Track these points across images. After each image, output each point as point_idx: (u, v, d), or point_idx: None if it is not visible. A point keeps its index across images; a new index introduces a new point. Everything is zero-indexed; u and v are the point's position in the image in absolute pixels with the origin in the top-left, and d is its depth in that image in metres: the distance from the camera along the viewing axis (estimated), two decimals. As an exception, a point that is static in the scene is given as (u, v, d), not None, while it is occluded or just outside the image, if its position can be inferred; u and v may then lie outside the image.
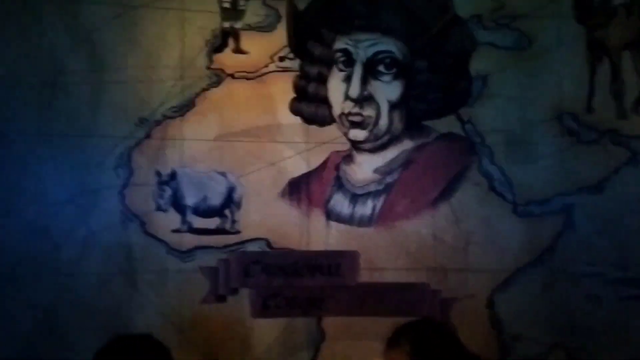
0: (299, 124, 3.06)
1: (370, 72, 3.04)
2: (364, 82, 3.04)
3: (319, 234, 3.01)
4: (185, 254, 2.93)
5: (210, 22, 3.05)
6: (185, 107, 3.00)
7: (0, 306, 2.80)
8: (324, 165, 3.07)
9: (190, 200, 2.96)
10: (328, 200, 3.05)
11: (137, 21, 3.00)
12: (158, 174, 2.95)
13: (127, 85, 2.97)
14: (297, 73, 3.08)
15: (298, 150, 3.05)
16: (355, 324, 2.91)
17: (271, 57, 3.07)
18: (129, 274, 2.90)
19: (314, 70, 3.08)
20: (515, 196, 3.05)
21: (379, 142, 3.07)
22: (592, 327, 2.99)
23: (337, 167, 3.07)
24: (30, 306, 2.82)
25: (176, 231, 2.95)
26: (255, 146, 3.03)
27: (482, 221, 3.04)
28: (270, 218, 2.99)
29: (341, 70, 3.07)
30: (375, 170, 3.07)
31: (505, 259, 3.02)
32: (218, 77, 3.04)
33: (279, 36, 3.07)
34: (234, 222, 2.99)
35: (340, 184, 3.07)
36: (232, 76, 3.04)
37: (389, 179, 3.07)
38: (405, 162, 3.07)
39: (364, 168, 3.08)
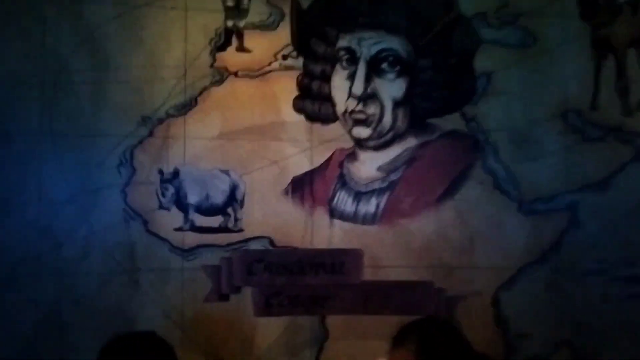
0: (303, 122, 3.05)
1: (374, 70, 3.04)
2: (368, 80, 3.03)
3: (322, 232, 3.00)
4: (188, 252, 2.92)
5: (213, 20, 3.04)
6: (188, 106, 2.99)
7: (1, 306, 2.79)
8: (327, 163, 3.05)
9: (192, 198, 2.95)
10: (332, 198, 3.04)
11: (140, 20, 2.99)
12: (160, 172, 2.94)
13: (129, 83, 2.96)
14: (301, 71, 3.07)
15: (301, 148, 3.04)
16: (359, 323, 2.89)
17: (274, 56, 3.06)
18: (131, 273, 2.89)
19: (317, 68, 3.08)
20: (520, 194, 3.04)
21: (383, 139, 3.06)
22: (598, 325, 2.98)
23: (340, 165, 3.06)
24: (31, 305, 2.81)
25: (179, 230, 2.93)
26: (258, 144, 3.02)
27: (486, 219, 3.03)
28: (273, 216, 2.98)
29: (344, 68, 3.06)
30: (379, 168, 3.06)
31: (510, 256, 3.01)
32: (221, 75, 3.02)
33: (282, 34, 3.06)
34: (236, 220, 2.97)
35: (343, 182, 3.06)
36: (235, 74, 3.03)
37: (392, 177, 3.05)
38: (409, 160, 3.06)
39: (368, 166, 3.07)
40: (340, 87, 3.06)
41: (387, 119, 3.05)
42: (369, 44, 3.05)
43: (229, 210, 2.98)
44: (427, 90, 3.06)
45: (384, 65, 3.04)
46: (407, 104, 3.06)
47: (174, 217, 2.94)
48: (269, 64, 3.05)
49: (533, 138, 3.08)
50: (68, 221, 2.86)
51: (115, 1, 2.98)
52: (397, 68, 3.04)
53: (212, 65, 3.02)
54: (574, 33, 3.11)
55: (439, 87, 3.06)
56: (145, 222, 2.91)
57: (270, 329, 2.91)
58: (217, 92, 3.02)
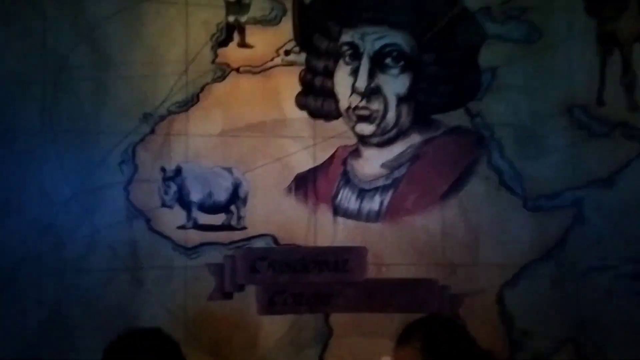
0: (305, 119, 3.03)
1: (378, 65, 3.01)
2: (371, 75, 3.01)
3: (326, 230, 2.99)
4: (191, 250, 2.91)
5: (214, 15, 3.01)
6: (189, 102, 2.97)
7: (4, 304, 2.78)
8: (330, 160, 3.04)
9: (195, 196, 2.94)
10: (335, 196, 3.03)
11: (141, 16, 2.96)
12: (163, 170, 2.92)
13: (131, 80, 2.94)
14: (303, 67, 3.05)
15: (304, 145, 3.02)
16: (363, 321, 2.89)
17: (277, 51, 3.03)
18: (134, 271, 2.88)
19: (320, 64, 3.05)
20: (525, 190, 3.04)
21: (387, 136, 3.04)
22: (603, 322, 2.99)
23: (344, 162, 3.05)
24: (34, 304, 2.80)
25: (181, 228, 2.92)
26: (261, 141, 3.00)
27: (491, 216, 3.03)
28: (276, 214, 2.97)
29: (348, 64, 3.04)
30: (383, 165, 3.05)
31: (515, 253, 3.01)
32: (223, 71, 3.00)
33: (285, 30, 3.04)
34: (239, 218, 2.96)
35: (347, 179, 3.05)
36: (237, 70, 3.01)
37: (396, 174, 3.04)
38: (413, 157, 3.05)
39: (372, 163, 3.05)
40: (343, 83, 3.04)
41: (391, 115, 3.03)
42: (373, 39, 3.02)
43: (232, 208, 2.97)
44: (432, 85, 3.04)
45: (388, 61, 3.02)
46: (411, 100, 3.04)
47: (177, 215, 2.92)
48: (271, 60, 3.03)
49: (538, 134, 3.07)
50: (70, 220, 2.85)
51: (115, -3, 2.96)
52: (401, 63, 3.02)
53: (213, 61, 3.00)
54: (580, 28, 3.09)
55: (443, 83, 3.05)
56: (147, 220, 2.90)
57: (274, 327, 2.91)
58: (219, 88, 3.00)
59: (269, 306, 2.82)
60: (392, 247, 2.99)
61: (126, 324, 2.68)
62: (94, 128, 2.90)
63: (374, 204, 3.02)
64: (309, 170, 3.02)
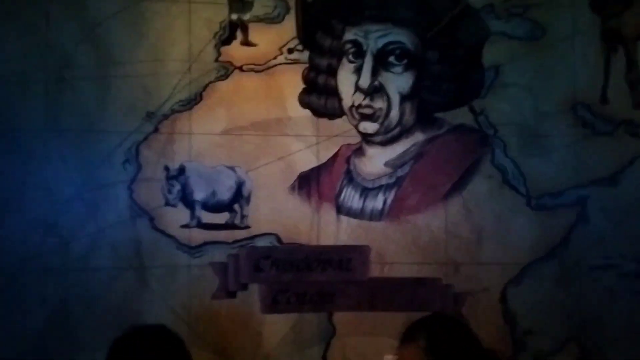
0: (309, 117, 3.03)
1: (381, 63, 3.01)
2: (375, 73, 3.00)
3: (329, 229, 2.99)
4: (195, 249, 2.92)
5: (217, 14, 3.01)
6: (193, 101, 2.97)
7: (9, 302, 2.79)
8: (334, 158, 3.04)
9: (199, 195, 2.94)
10: (338, 194, 3.03)
11: (144, 14, 2.96)
12: (166, 168, 2.92)
13: (134, 79, 2.93)
14: (307, 65, 3.04)
15: (308, 143, 3.02)
16: (366, 319, 2.89)
17: (280, 49, 3.03)
18: (138, 270, 2.89)
19: (323, 62, 3.05)
20: (529, 189, 3.03)
21: (390, 134, 3.03)
22: (606, 321, 2.98)
23: (347, 161, 3.05)
24: (38, 303, 2.81)
25: (185, 226, 2.93)
26: (264, 140, 3.00)
27: (494, 214, 3.02)
28: (280, 213, 2.97)
29: (351, 62, 3.03)
30: (386, 164, 3.05)
31: (518, 252, 3.00)
32: (226, 69, 3.00)
33: (288, 28, 3.03)
34: (243, 217, 2.96)
35: (350, 178, 3.04)
36: (240, 69, 3.00)
37: (400, 172, 3.04)
38: (417, 155, 3.04)
39: (375, 161, 3.05)
40: (346, 81, 3.04)
41: (395, 114, 3.02)
42: (376, 36, 3.02)
43: (236, 206, 2.97)
44: (435, 83, 3.03)
45: (391, 59, 3.01)
46: (414, 98, 3.03)
47: (181, 214, 2.93)
48: (275, 58, 3.03)
49: (542, 132, 3.06)
50: (73, 219, 2.86)
51: (118, -4, 2.96)
52: (405, 61, 3.01)
53: (216, 60, 3.00)
54: (584, 25, 3.07)
55: (446, 81, 3.04)
56: (151, 219, 2.91)
57: (277, 326, 2.91)
58: (222, 86, 3.00)
59: (273, 305, 2.81)
60: (396, 245, 2.99)
61: (130, 322, 2.68)
62: (97, 127, 2.90)
63: (377, 202, 3.02)
64: (313, 169, 3.01)
